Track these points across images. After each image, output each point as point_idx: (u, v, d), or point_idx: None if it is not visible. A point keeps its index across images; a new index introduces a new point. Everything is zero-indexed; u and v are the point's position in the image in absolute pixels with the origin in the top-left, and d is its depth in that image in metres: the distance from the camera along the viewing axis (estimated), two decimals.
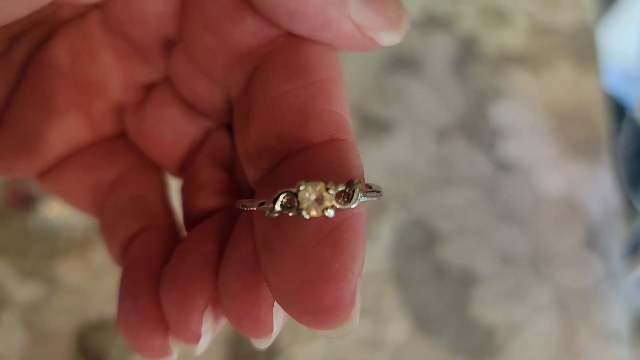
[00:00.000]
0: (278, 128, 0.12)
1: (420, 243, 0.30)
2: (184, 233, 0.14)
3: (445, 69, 0.35)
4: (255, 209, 0.11)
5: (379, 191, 0.11)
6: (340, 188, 0.10)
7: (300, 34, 0.12)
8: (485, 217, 0.32)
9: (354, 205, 0.10)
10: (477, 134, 0.33)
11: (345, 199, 0.10)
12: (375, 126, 0.32)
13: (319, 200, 0.10)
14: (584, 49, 0.37)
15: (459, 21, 0.36)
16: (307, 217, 0.10)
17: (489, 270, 0.31)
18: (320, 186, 0.10)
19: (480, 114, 0.34)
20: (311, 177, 0.10)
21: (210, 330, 0.12)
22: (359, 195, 0.10)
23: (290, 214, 0.10)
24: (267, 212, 0.10)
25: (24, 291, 0.26)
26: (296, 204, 0.10)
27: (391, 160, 0.31)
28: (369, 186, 0.11)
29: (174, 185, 0.16)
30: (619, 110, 0.60)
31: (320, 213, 0.10)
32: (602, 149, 0.35)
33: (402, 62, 0.34)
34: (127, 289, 0.13)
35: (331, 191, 0.10)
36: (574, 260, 0.32)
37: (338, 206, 0.10)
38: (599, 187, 0.34)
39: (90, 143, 0.15)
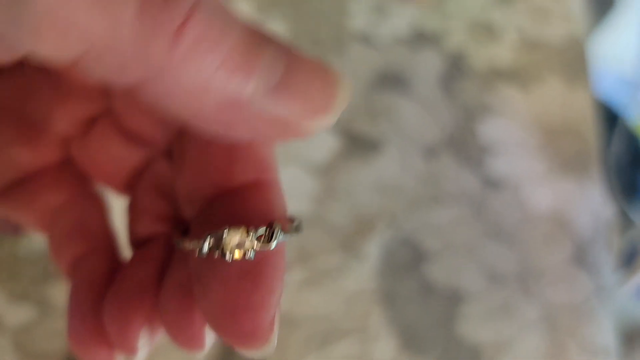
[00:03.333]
0: (208, 170, 0.13)
1: (407, 261, 0.31)
2: (126, 252, 0.16)
3: (433, 86, 0.35)
4: (187, 247, 0.12)
5: (297, 229, 0.13)
6: (261, 231, 0.12)
7: (207, 132, 0.12)
8: (473, 234, 0.32)
9: (272, 246, 0.12)
10: (465, 151, 0.34)
11: (266, 240, 0.12)
12: (363, 144, 0.32)
13: (241, 244, 0.12)
14: (574, 63, 0.37)
15: (447, 37, 0.36)
16: (230, 260, 0.12)
17: (476, 287, 0.31)
18: (242, 231, 0.12)
19: (469, 131, 0.34)
20: (236, 221, 0.12)
21: (148, 344, 0.14)
22: (278, 236, 0.12)
23: (217, 255, 0.12)
24: (197, 252, 0.12)
25: (15, 314, 0.26)
26: (221, 247, 0.12)
27: (379, 178, 0.31)
28: (291, 220, 0.13)
29: (118, 206, 0.17)
30: (611, 119, 0.60)
31: (241, 256, 0.12)
32: (592, 163, 0.35)
33: (390, 79, 0.35)
34: (75, 308, 0.14)
35: (252, 235, 0.12)
36: (562, 276, 0.32)
37: (258, 248, 0.12)
38: (588, 202, 0.34)
39: (37, 170, 0.16)
